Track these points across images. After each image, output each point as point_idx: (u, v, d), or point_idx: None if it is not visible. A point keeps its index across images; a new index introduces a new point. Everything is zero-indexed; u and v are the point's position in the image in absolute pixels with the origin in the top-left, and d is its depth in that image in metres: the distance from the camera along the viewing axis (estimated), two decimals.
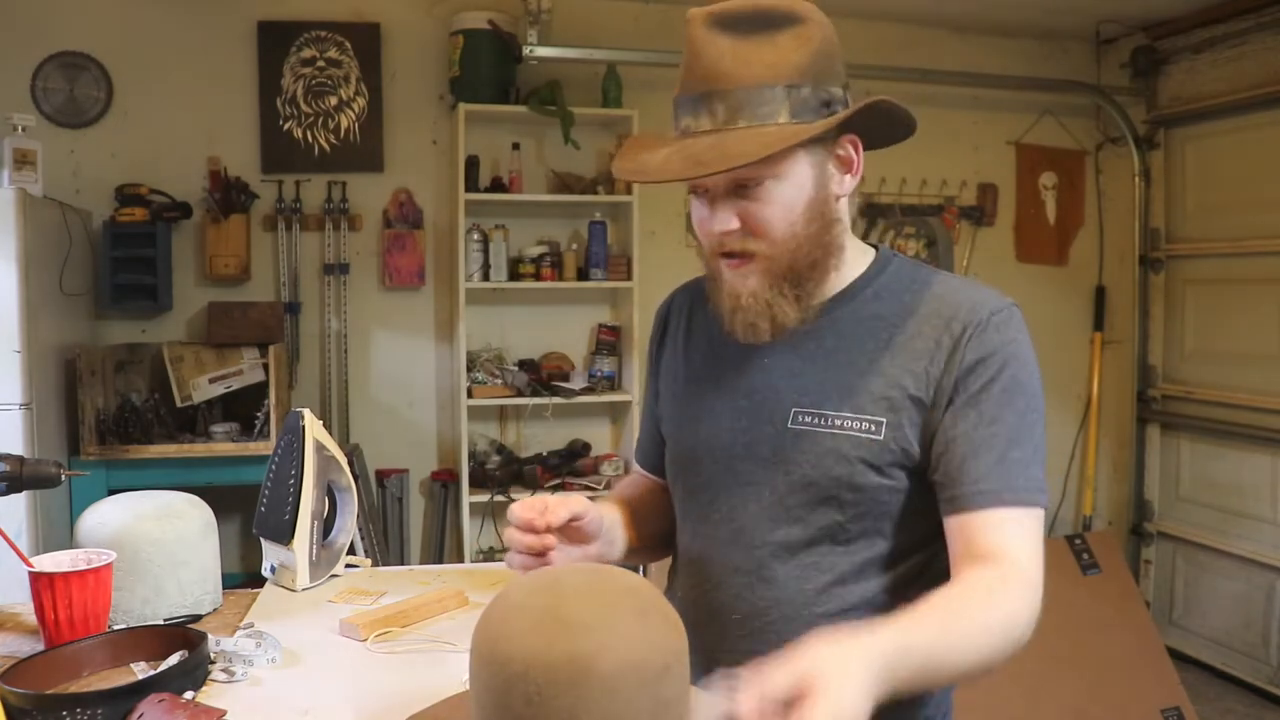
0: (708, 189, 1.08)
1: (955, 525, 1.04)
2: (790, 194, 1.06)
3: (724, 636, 1.13)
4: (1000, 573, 0.99)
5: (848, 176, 1.10)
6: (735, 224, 1.07)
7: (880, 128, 1.12)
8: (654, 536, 1.29)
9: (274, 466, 1.54)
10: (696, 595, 1.17)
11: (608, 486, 3.61)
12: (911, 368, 1.07)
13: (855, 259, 1.15)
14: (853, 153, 1.10)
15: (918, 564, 1.11)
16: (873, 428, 1.07)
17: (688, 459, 1.21)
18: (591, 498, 1.18)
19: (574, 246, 3.79)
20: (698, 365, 1.23)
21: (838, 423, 1.08)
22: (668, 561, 1.35)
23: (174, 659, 1.14)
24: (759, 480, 1.12)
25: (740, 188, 1.06)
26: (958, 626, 0.93)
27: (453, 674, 1.14)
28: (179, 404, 3.21)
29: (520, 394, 3.64)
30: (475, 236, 3.59)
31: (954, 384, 1.05)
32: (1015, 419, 1.04)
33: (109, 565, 1.24)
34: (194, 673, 1.12)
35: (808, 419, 1.10)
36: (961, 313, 1.07)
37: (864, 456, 1.06)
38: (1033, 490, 1.03)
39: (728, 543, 1.14)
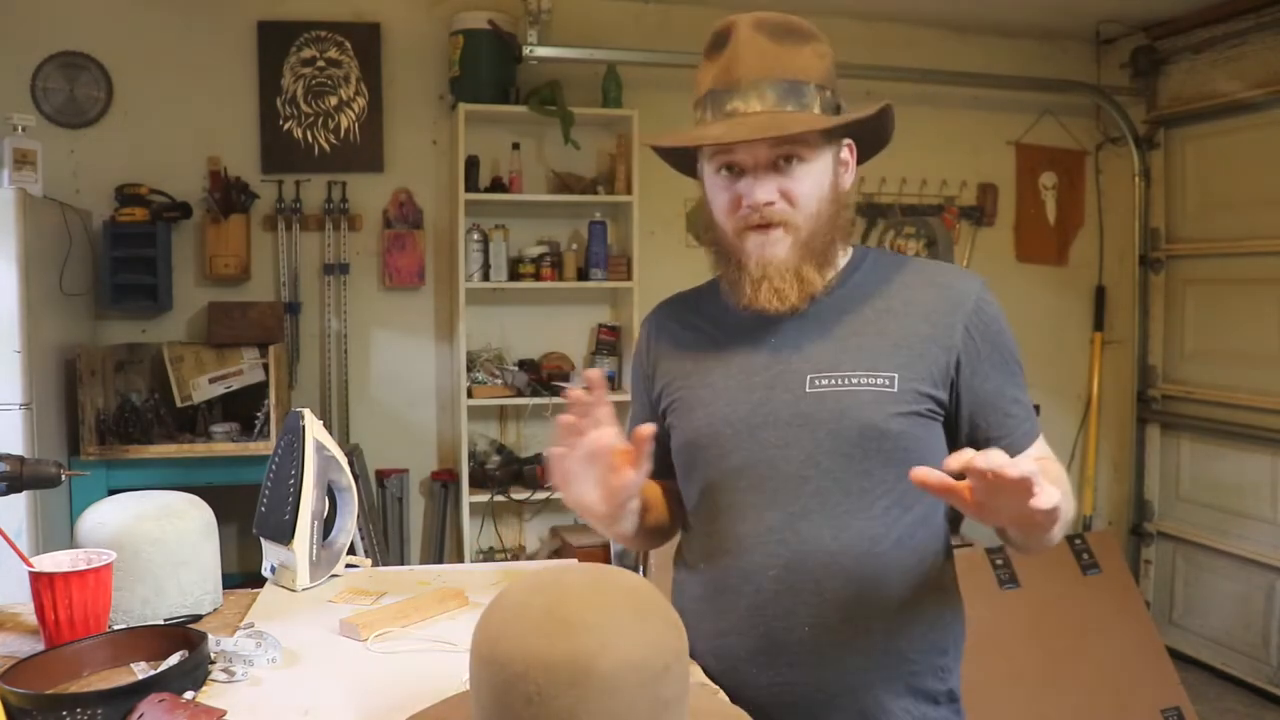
0: (745, 169, 1.20)
1: None
2: (817, 175, 1.21)
3: (759, 591, 1.21)
4: (1052, 462, 1.24)
5: (847, 176, 1.27)
6: (776, 195, 1.20)
7: (867, 141, 1.29)
8: (655, 526, 1.37)
9: (274, 466, 1.54)
10: (729, 561, 1.24)
11: None
12: (917, 329, 1.22)
13: (841, 256, 1.30)
14: (849, 156, 1.27)
15: (931, 502, 1.23)
16: (886, 382, 1.20)
17: (706, 437, 1.27)
18: None
19: (574, 246, 3.79)
20: (703, 358, 1.31)
21: (854, 380, 1.21)
22: (667, 558, 1.38)
23: (174, 659, 1.14)
24: (786, 442, 1.22)
25: (784, 162, 1.19)
26: (1061, 479, 1.18)
27: (453, 674, 1.14)
28: (179, 404, 3.21)
29: (520, 394, 3.64)
30: (475, 236, 3.59)
31: (971, 350, 1.22)
32: (1018, 370, 1.26)
33: (109, 565, 1.24)
34: (194, 673, 1.12)
35: (824, 382, 1.22)
36: (958, 284, 1.25)
37: (883, 405, 1.19)
38: (1038, 426, 1.27)
39: (758, 506, 1.22)
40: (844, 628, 1.19)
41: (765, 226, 1.20)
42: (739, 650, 1.23)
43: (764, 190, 1.19)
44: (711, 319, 1.33)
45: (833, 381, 1.21)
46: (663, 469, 1.37)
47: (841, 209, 1.25)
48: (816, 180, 1.21)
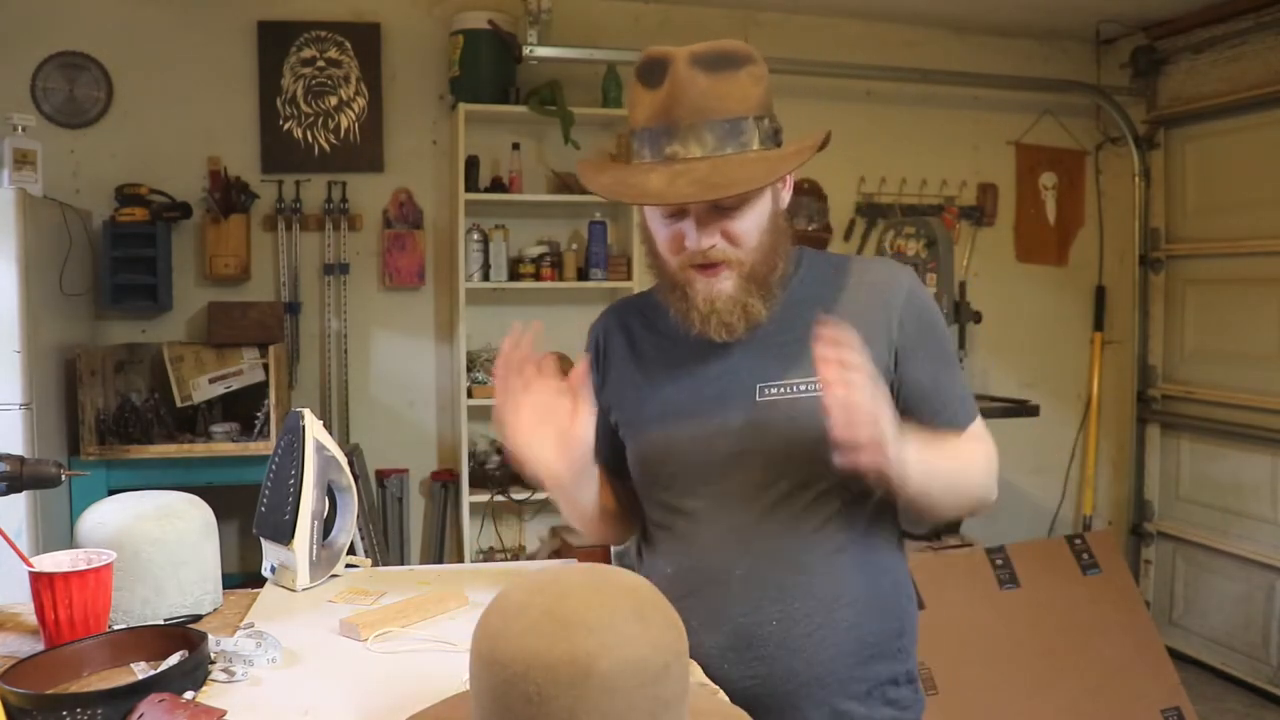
0: (688, 211, 1.20)
1: None
2: (761, 210, 1.23)
3: (728, 592, 1.25)
4: (976, 440, 1.32)
5: (786, 193, 1.29)
6: (719, 238, 1.21)
7: None
8: (609, 508, 1.39)
9: (274, 466, 1.54)
10: (693, 563, 1.28)
11: None
12: (857, 329, 1.21)
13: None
14: (788, 176, 1.28)
15: (883, 493, 1.27)
16: None
17: (662, 450, 1.31)
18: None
19: (574, 246, 3.79)
20: (653, 371, 1.34)
21: (802, 388, 1.24)
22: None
23: (174, 659, 1.13)
24: (741, 450, 1.26)
25: (724, 207, 1.20)
26: (962, 454, 1.27)
27: (453, 674, 1.14)
28: (179, 404, 3.21)
29: None
30: (475, 236, 3.59)
31: (906, 341, 1.27)
32: (951, 357, 1.33)
33: (109, 565, 1.24)
34: (194, 673, 1.12)
35: (774, 391, 1.25)
36: (888, 280, 1.30)
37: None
38: (976, 408, 1.34)
39: (721, 510, 1.27)
40: (810, 619, 1.24)
41: (709, 266, 1.22)
42: (710, 648, 1.25)
43: (706, 236, 1.21)
44: (659, 330, 1.35)
45: (781, 390, 1.25)
46: (610, 463, 1.40)
47: (782, 232, 1.26)
48: (757, 216, 1.22)
